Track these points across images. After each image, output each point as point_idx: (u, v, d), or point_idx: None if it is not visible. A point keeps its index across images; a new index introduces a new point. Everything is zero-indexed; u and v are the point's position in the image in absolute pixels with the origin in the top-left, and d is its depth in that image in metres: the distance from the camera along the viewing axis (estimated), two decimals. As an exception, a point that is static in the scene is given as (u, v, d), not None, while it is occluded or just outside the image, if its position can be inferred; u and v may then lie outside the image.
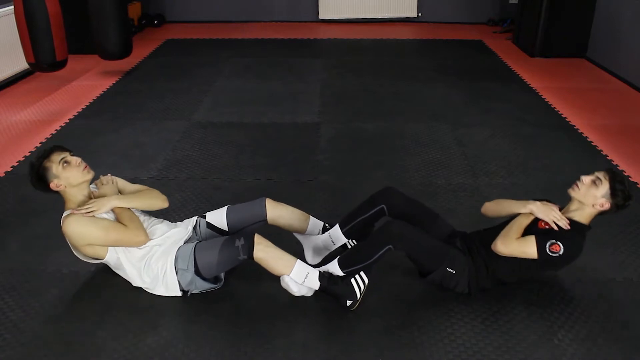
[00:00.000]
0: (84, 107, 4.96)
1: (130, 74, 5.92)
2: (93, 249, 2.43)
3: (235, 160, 3.95)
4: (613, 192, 2.32)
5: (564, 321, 2.41)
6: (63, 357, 2.21)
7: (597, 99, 5.19)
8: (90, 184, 2.55)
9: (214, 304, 2.49)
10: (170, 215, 3.12)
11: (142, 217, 2.58)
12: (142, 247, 2.47)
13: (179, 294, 2.49)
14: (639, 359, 2.22)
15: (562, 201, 2.53)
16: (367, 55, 6.76)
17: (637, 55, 5.45)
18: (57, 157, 2.41)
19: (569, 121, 4.63)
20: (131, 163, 3.89)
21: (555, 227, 2.36)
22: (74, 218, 2.37)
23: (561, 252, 2.30)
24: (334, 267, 2.47)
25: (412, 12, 8.25)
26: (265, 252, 2.40)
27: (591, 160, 3.92)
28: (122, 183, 2.64)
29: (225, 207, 2.72)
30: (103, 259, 2.47)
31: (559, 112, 4.82)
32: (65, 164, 2.41)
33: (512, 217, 2.50)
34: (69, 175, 2.41)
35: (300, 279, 2.41)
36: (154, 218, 2.66)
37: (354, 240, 2.75)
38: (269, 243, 2.43)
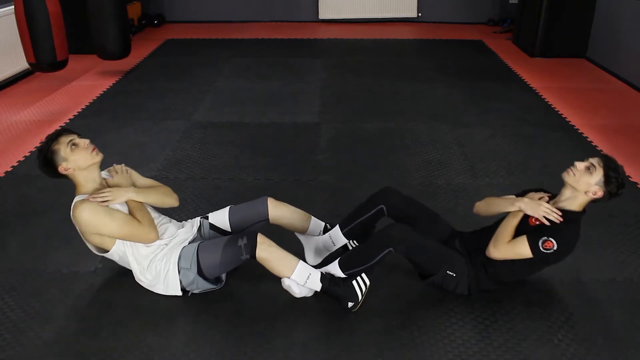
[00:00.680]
0: (84, 107, 4.96)
1: (130, 74, 5.92)
2: (101, 239, 2.39)
3: (235, 160, 3.95)
4: (607, 180, 2.26)
5: (564, 321, 2.40)
6: (63, 357, 2.21)
7: (597, 99, 5.19)
8: (102, 171, 2.52)
9: (214, 304, 2.49)
10: (171, 215, 3.11)
11: (153, 214, 2.55)
12: (149, 245, 2.46)
13: (179, 293, 2.49)
14: (639, 359, 2.22)
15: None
16: (367, 55, 6.76)
17: (637, 55, 5.45)
18: (65, 139, 2.36)
19: (569, 121, 4.63)
20: (131, 163, 3.81)
21: (547, 222, 2.31)
22: (89, 206, 2.32)
23: (555, 248, 2.26)
24: (334, 269, 2.46)
25: (412, 12, 8.25)
26: (268, 252, 2.39)
27: (591, 160, 3.92)
28: (135, 175, 2.61)
29: (228, 208, 2.72)
30: (109, 250, 2.44)
31: (559, 112, 4.82)
32: (73, 146, 2.36)
33: (506, 215, 2.46)
34: (78, 157, 2.36)
35: (302, 280, 2.40)
36: (164, 216, 2.64)
37: (354, 241, 2.75)
38: (272, 243, 2.42)
